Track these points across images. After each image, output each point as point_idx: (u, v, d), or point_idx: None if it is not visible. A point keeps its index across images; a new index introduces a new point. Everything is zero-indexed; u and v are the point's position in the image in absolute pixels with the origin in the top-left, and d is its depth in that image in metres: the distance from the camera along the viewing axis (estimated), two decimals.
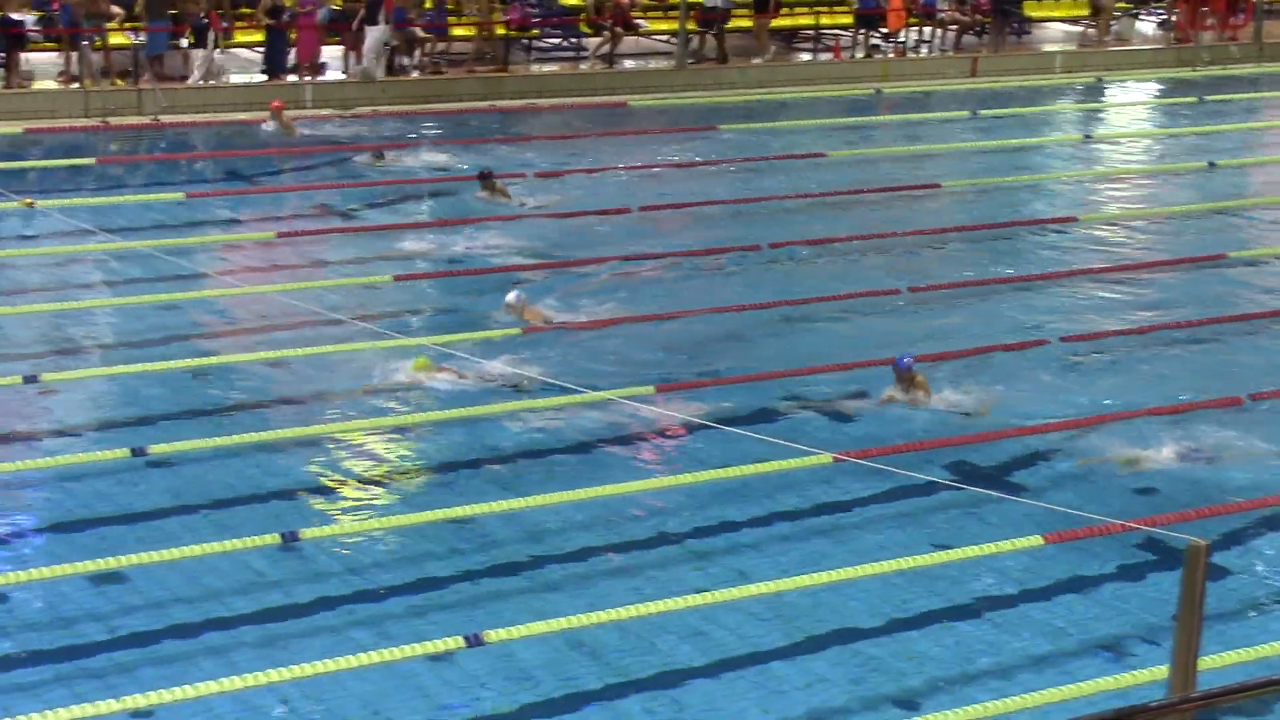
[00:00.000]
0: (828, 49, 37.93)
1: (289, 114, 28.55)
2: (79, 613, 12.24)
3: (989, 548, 13.37)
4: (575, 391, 15.91)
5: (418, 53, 34.15)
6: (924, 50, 38.96)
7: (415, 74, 33.79)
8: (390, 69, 32.90)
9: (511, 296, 18.97)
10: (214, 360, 17.41)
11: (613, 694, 11.50)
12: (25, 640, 11.85)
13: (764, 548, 13.77)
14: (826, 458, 14.77)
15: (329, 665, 11.17)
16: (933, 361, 17.94)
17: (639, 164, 27.74)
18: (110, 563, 12.72)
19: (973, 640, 12.44)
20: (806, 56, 38.26)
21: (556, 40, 37.07)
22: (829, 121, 32.51)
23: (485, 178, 24.55)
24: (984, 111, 33.53)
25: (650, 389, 16.76)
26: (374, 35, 31.57)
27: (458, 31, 35.49)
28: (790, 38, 39.53)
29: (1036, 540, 13.41)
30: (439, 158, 27.51)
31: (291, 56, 32.49)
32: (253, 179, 25.78)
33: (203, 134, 28.73)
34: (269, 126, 27.99)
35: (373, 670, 11.33)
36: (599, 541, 13.79)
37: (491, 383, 16.93)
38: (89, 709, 10.62)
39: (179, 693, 10.80)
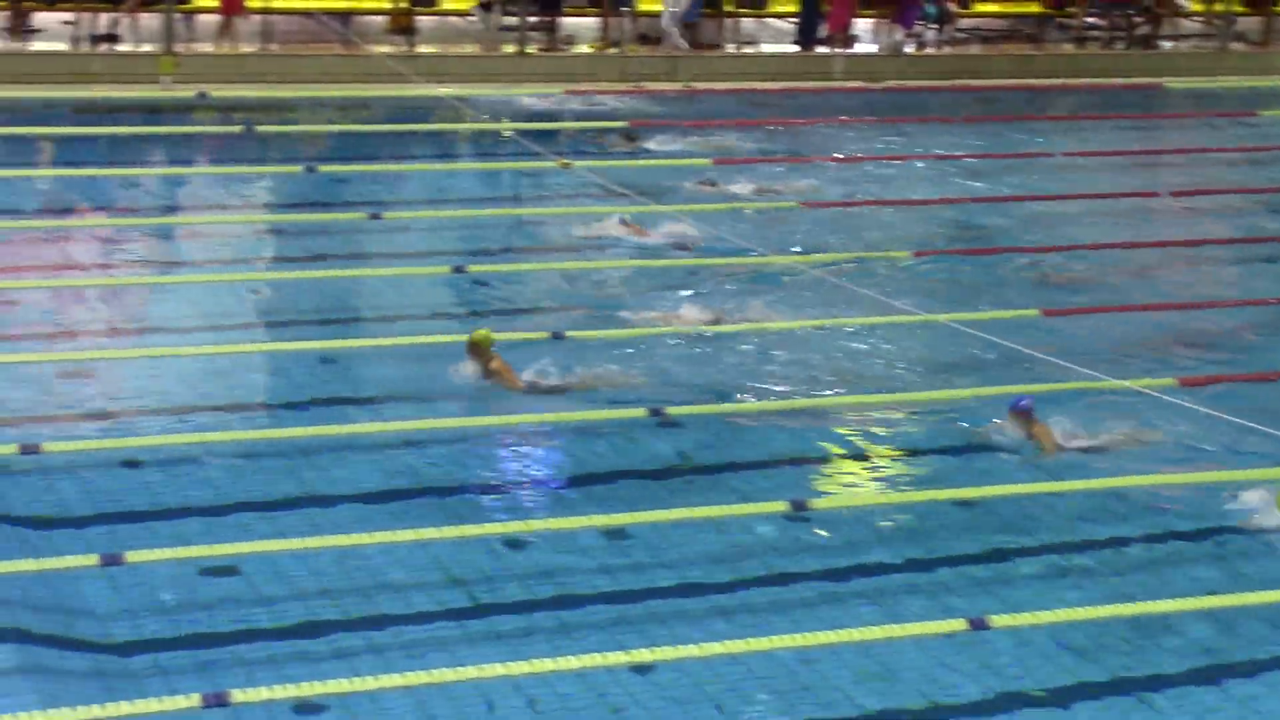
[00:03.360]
0: None
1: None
2: (589, 565, 12.54)
3: None
4: (1094, 378, 15.54)
5: (948, 27, 33.88)
6: None
7: (946, 49, 33.53)
8: (920, 42, 32.76)
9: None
10: (727, 328, 17.57)
11: (1116, 690, 11.19)
12: (530, 587, 12.18)
13: None
14: None
15: (829, 637, 11.18)
16: None
17: (1172, 148, 26.91)
18: (619, 518, 13.04)
19: None
20: None
21: (1093, 19, 36.23)
22: None
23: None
24: None
25: (1172, 380, 16.22)
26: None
27: (990, 8, 35.05)
28: None
29: None
30: (961, 135, 27.25)
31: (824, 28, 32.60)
32: (782, 148, 25.96)
33: (733, 101, 29.05)
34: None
35: (874, 645, 11.29)
36: (1110, 533, 13.41)
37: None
38: (597, 659, 10.89)
39: (680, 650, 10.96)
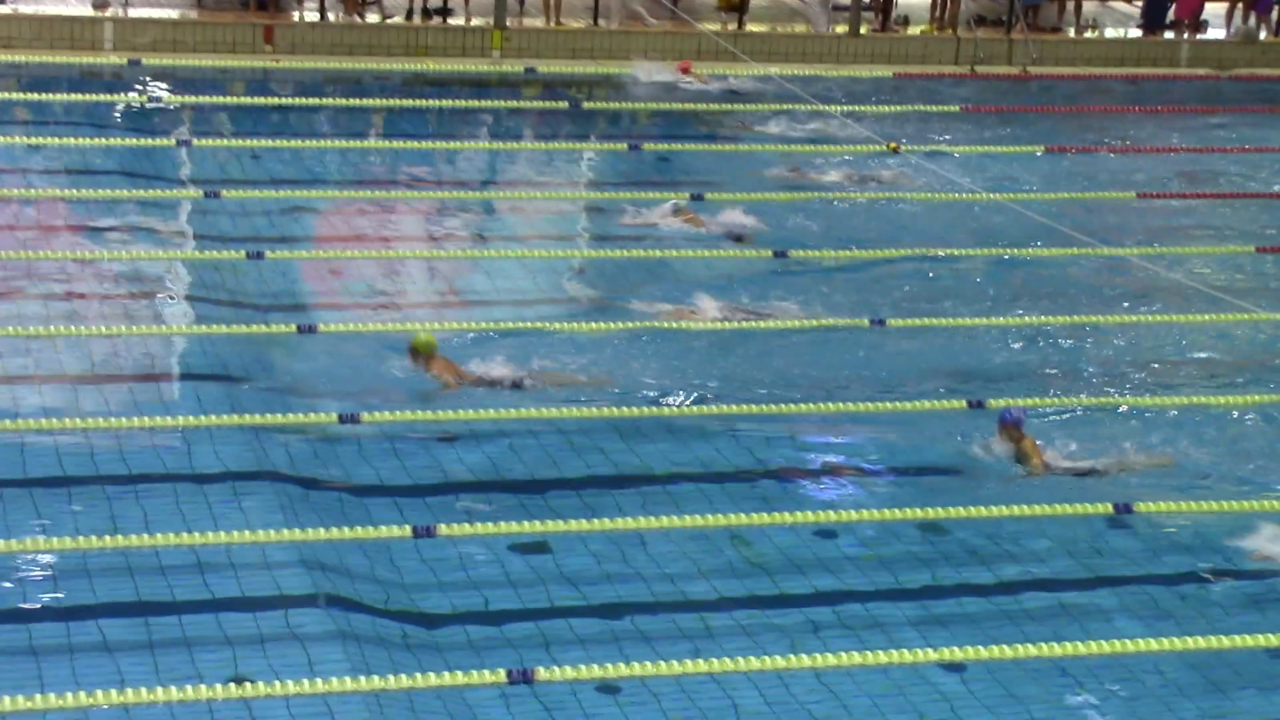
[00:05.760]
0: None
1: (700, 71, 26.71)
2: (901, 554, 12.34)
3: None
4: None
5: None
6: None
7: None
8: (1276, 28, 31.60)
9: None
10: (1055, 320, 17.09)
11: None
12: (841, 578, 12.02)
13: None
14: None
15: (1146, 645, 11.07)
16: None
17: None
18: (936, 512, 12.80)
19: None
20: None
21: None
22: None
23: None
24: None
25: None
26: None
27: None
28: None
29: None
30: None
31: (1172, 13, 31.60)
32: (1119, 137, 25.21)
33: (1068, 88, 28.28)
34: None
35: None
36: None
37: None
38: (905, 655, 10.77)
39: (993, 651, 10.71)
